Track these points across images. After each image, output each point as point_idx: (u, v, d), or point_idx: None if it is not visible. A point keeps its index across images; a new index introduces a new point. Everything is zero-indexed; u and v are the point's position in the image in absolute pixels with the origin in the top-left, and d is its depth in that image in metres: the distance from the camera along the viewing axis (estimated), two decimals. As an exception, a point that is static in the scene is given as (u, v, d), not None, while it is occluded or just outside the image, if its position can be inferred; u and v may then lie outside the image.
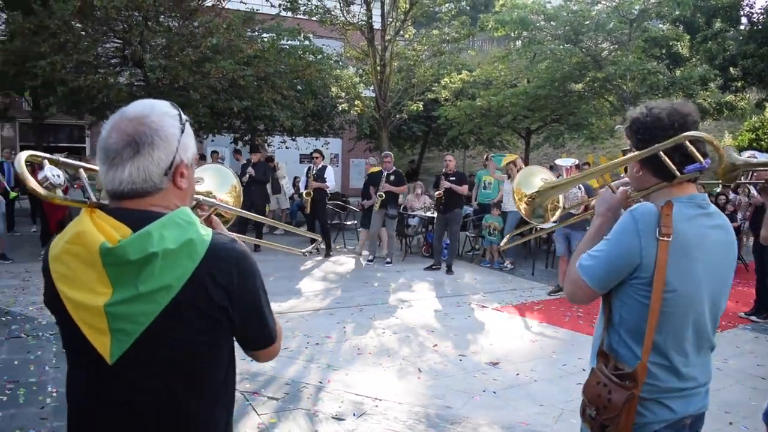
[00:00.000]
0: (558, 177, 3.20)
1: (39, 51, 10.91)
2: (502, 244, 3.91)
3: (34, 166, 1.51)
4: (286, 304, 7.59)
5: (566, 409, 4.69)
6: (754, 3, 20.24)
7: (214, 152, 14.75)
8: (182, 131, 1.45)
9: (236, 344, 1.57)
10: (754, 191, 6.87)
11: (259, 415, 4.39)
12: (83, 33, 11.40)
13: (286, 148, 17.25)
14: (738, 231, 10.53)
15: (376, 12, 15.68)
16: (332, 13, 15.46)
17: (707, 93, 18.56)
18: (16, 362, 5.28)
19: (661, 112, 1.97)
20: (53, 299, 1.41)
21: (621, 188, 2.15)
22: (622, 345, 2.00)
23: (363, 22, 15.48)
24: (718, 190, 11.79)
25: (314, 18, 15.43)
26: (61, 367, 5.16)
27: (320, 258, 10.90)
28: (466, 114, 17.84)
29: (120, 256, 1.32)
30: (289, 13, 15.04)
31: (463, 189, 10.21)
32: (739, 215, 11.14)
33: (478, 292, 8.80)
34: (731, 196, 11.51)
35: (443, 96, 17.80)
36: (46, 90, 12.29)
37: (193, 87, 11.45)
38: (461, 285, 9.39)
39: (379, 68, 15.59)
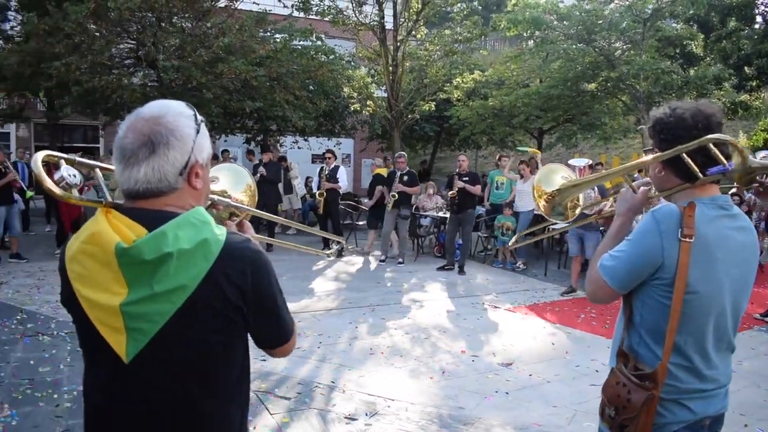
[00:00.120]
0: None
1: (54, 52, 11.01)
2: (509, 244, 3.89)
3: (50, 166, 1.52)
4: (299, 304, 7.60)
5: (579, 410, 4.67)
6: (770, 1, 20.05)
7: (224, 151, 14.78)
8: (197, 131, 1.46)
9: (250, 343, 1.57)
10: (749, 194, 6.75)
11: (271, 414, 4.40)
12: (97, 34, 11.48)
13: (299, 148, 17.29)
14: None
15: (388, 12, 15.67)
16: (344, 13, 15.46)
17: (721, 92, 18.40)
18: (31, 361, 5.32)
19: (685, 113, 1.96)
20: (70, 299, 1.42)
21: (642, 188, 2.14)
22: (642, 345, 1.99)
23: (375, 23, 15.48)
24: (733, 191, 11.66)
25: (326, 18, 15.45)
26: (76, 366, 5.20)
27: (332, 258, 10.91)
28: (479, 114, 17.80)
29: (135, 256, 1.33)
30: (302, 14, 15.08)
31: (477, 189, 10.18)
32: (755, 215, 11.02)
33: (490, 293, 8.77)
34: (746, 195, 11.40)
35: (455, 96, 17.77)
36: (61, 90, 12.39)
37: (206, 87, 11.50)
38: (473, 285, 9.37)
39: (391, 68, 15.58)
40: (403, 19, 15.65)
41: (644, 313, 1.98)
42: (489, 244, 11.85)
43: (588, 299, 2.19)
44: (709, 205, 1.94)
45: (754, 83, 19.52)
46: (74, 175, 1.45)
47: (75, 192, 1.47)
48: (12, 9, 15.94)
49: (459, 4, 17.23)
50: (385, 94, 16.28)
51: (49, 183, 1.40)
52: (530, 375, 5.46)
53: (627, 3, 16.03)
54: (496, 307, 7.94)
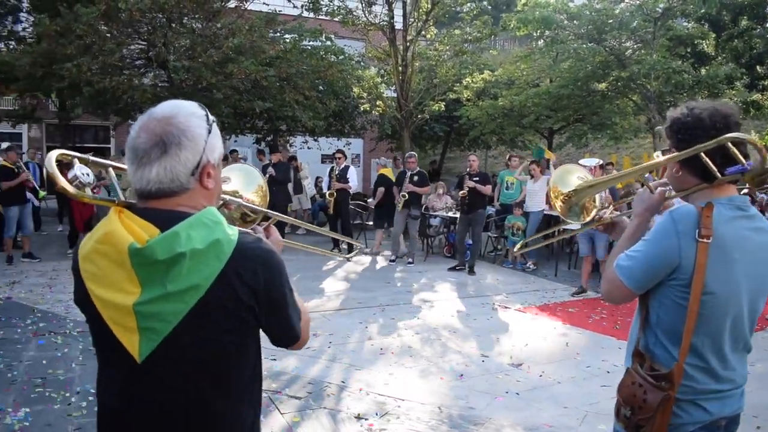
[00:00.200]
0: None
1: (65, 53, 11.07)
2: (516, 250, 3.88)
3: (63, 165, 1.53)
4: (309, 304, 7.61)
5: (590, 411, 4.65)
6: (782, 0, 19.88)
7: (233, 151, 14.79)
8: (209, 131, 1.46)
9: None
10: (761, 195, 6.70)
11: (282, 414, 4.41)
12: (108, 35, 11.55)
13: (308, 148, 17.32)
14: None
15: (398, 12, 15.65)
16: (354, 13, 15.46)
17: (733, 92, 18.24)
18: (44, 360, 5.36)
19: (703, 113, 1.95)
20: (83, 298, 1.43)
21: (659, 189, 2.13)
22: (658, 346, 1.99)
23: (385, 23, 15.47)
24: (745, 191, 11.59)
25: (336, 19, 15.44)
26: (88, 365, 5.23)
27: (341, 258, 10.92)
28: (488, 114, 17.74)
29: (148, 256, 1.33)
30: (311, 14, 15.10)
31: (487, 189, 10.17)
32: (767, 216, 10.96)
33: (500, 293, 8.75)
34: (759, 196, 11.32)
35: (465, 96, 17.72)
36: (72, 91, 12.47)
37: (216, 87, 11.54)
38: (483, 286, 9.35)
39: (400, 68, 15.56)
40: (412, 19, 15.63)
41: (661, 314, 1.97)
42: (499, 244, 11.83)
43: (604, 299, 2.19)
44: (727, 206, 1.93)
45: (766, 82, 19.35)
46: (87, 174, 1.46)
47: (88, 191, 1.47)
48: (24, 10, 16.06)
49: (468, 4, 17.19)
50: (395, 94, 16.26)
51: (62, 182, 1.41)
52: (541, 375, 5.44)
53: (638, 2, 15.93)
54: (506, 307, 7.92)
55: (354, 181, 11.59)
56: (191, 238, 1.34)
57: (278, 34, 14.17)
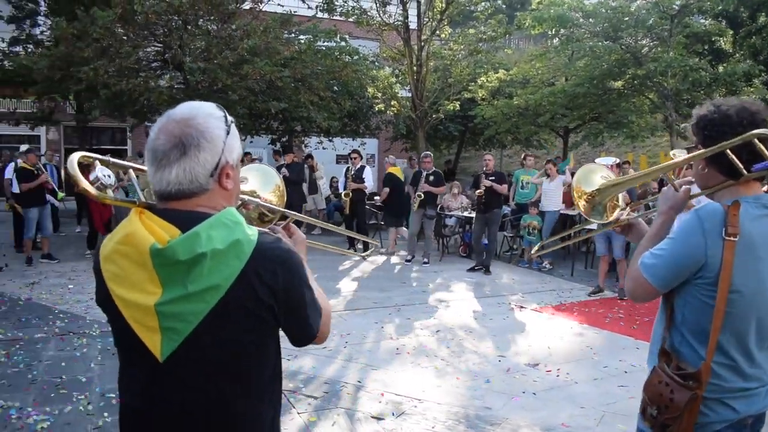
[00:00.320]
0: None
1: (82, 56, 11.19)
2: (532, 252, 3.86)
3: (83, 167, 1.55)
4: (324, 304, 7.61)
5: (608, 411, 4.62)
6: (801, -4, 19.60)
7: (246, 153, 14.82)
8: (228, 132, 1.47)
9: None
10: None
11: (298, 413, 4.42)
12: (125, 38, 11.65)
13: (323, 148, 17.35)
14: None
15: (412, 12, 15.66)
16: (368, 13, 15.49)
17: (751, 89, 18.04)
18: (63, 360, 5.42)
19: (730, 109, 1.94)
20: (105, 298, 1.44)
21: (684, 187, 2.12)
22: (684, 344, 1.98)
23: (399, 22, 15.48)
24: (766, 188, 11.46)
25: (350, 19, 15.49)
26: (107, 365, 5.28)
27: (358, 258, 10.93)
28: (503, 113, 17.68)
29: (170, 256, 1.34)
30: (326, 15, 15.14)
31: (503, 188, 10.14)
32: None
33: (516, 293, 8.72)
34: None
35: (480, 95, 17.67)
36: (90, 94, 12.59)
37: (231, 89, 11.61)
38: (499, 285, 9.32)
39: (415, 68, 15.56)
40: (427, 19, 15.63)
41: (686, 312, 1.96)
42: (515, 243, 11.79)
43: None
44: (753, 204, 1.91)
45: (785, 79, 19.12)
46: (109, 176, 1.48)
47: (110, 192, 1.49)
48: (42, 14, 16.26)
49: (483, 3, 17.15)
50: (410, 94, 16.27)
51: (84, 183, 1.42)
52: (557, 375, 5.41)
53: (654, -1, 15.82)
54: (522, 307, 7.89)
55: (370, 181, 11.60)
56: (212, 239, 1.35)
57: (293, 35, 14.22)
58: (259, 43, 11.91)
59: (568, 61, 18.18)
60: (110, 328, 1.50)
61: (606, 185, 2.48)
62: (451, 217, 12.21)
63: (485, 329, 6.86)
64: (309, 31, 14.38)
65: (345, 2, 15.27)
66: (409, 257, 10.98)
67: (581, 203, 2.51)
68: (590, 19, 16.78)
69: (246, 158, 13.94)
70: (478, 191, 10.04)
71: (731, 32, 19.57)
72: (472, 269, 10.29)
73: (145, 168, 1.49)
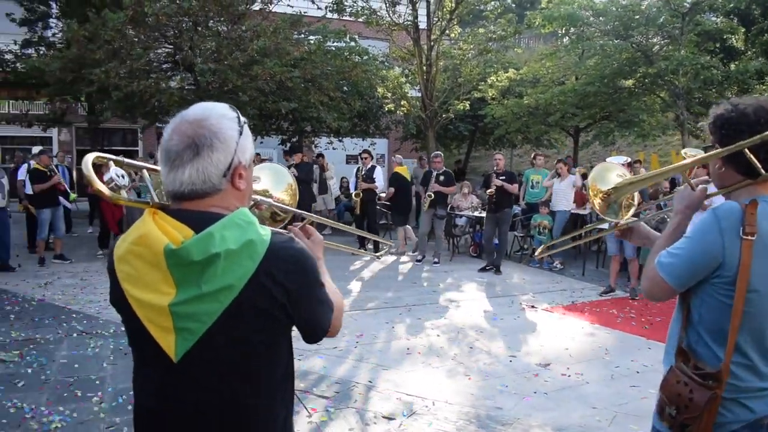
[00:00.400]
0: None
1: (94, 58, 11.27)
2: (537, 253, 3.86)
3: (97, 168, 1.55)
4: (335, 304, 7.62)
5: (620, 411, 4.60)
6: (814, -7, 19.40)
7: (256, 154, 14.84)
8: (240, 133, 1.47)
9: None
10: None
11: (309, 413, 4.43)
12: (136, 40, 11.71)
13: (333, 149, 17.36)
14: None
15: (422, 12, 15.66)
16: (378, 13, 15.50)
17: (764, 87, 17.90)
18: (76, 360, 5.45)
19: (747, 108, 1.93)
20: (119, 299, 1.45)
21: (700, 186, 2.11)
22: (701, 344, 1.97)
23: (409, 22, 15.48)
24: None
25: (360, 19, 15.50)
26: (119, 365, 5.31)
27: (368, 258, 10.93)
28: (513, 113, 17.64)
29: (184, 257, 1.35)
30: (335, 15, 15.16)
31: (514, 188, 10.13)
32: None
33: (527, 293, 8.70)
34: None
35: (490, 95, 17.64)
36: (101, 95, 12.67)
37: (241, 89, 11.64)
38: (510, 285, 9.30)
39: (425, 68, 15.56)
40: (436, 19, 15.62)
41: (703, 312, 1.95)
42: (525, 243, 11.75)
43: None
44: None
45: (798, 77, 18.95)
46: (123, 176, 1.49)
47: (123, 193, 1.50)
48: (53, 16, 16.37)
49: (492, 3, 17.14)
50: (419, 94, 16.26)
51: (99, 184, 1.44)
52: (569, 376, 5.39)
53: (665, -3, 15.73)
54: (533, 307, 7.87)
55: (381, 181, 11.60)
56: (225, 239, 1.36)
57: (303, 35, 14.25)
58: (269, 43, 11.94)
59: (578, 60, 18.11)
60: (124, 329, 1.52)
61: (623, 183, 2.47)
62: (461, 216, 12.19)
63: (496, 329, 6.85)
64: (319, 31, 14.41)
65: (354, 2, 15.28)
66: (419, 257, 10.97)
67: (596, 201, 2.50)
68: (601, 18, 16.71)
69: (255, 159, 13.99)
70: (489, 191, 10.02)
71: (743, 30, 19.41)
72: (482, 269, 10.27)
73: (158, 168, 1.50)
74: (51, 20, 16.58)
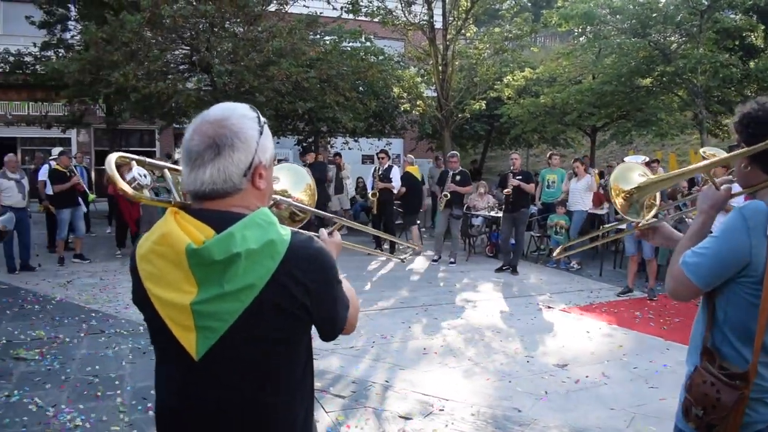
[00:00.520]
0: None
1: (112, 59, 11.36)
2: (555, 254, 3.84)
3: (119, 168, 1.57)
4: (351, 304, 7.63)
5: (638, 413, 4.57)
6: (836, -11, 19.11)
7: None
8: (261, 133, 1.49)
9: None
10: None
11: (327, 412, 4.44)
12: (153, 41, 11.80)
13: (349, 149, 17.38)
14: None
15: (438, 11, 15.64)
16: (393, 13, 15.50)
17: (784, 85, 17.71)
18: (95, 359, 5.51)
19: None
20: (142, 298, 1.47)
21: (725, 185, 2.09)
22: (725, 344, 1.95)
23: (424, 22, 15.47)
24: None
25: (376, 19, 15.51)
26: (138, 363, 5.36)
27: (384, 258, 10.94)
28: (530, 112, 17.56)
29: (205, 256, 1.36)
30: (351, 16, 15.18)
31: (531, 187, 10.10)
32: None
33: (544, 293, 8.66)
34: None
35: (506, 94, 17.58)
36: (119, 97, 12.78)
37: (258, 90, 11.70)
38: (527, 285, 9.26)
39: (440, 68, 15.54)
40: (452, 18, 15.60)
41: (729, 311, 1.94)
42: (542, 243, 11.70)
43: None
44: None
45: (818, 75, 18.70)
46: (145, 176, 1.50)
47: (146, 192, 1.52)
48: (72, 19, 16.52)
49: (508, 2, 17.08)
50: (435, 94, 16.25)
51: (122, 183, 1.45)
52: (586, 376, 5.36)
53: (683, -5, 15.58)
54: (550, 307, 7.84)
55: (397, 180, 11.60)
56: (246, 239, 1.37)
57: (318, 36, 14.29)
58: (285, 44, 11.99)
59: (595, 59, 17.98)
60: (142, 328, 1.54)
61: (646, 183, 2.45)
62: (477, 216, 12.16)
63: (513, 329, 6.83)
64: (334, 31, 14.44)
65: (370, 3, 15.29)
66: (435, 257, 10.96)
67: (618, 201, 2.49)
68: (618, 16, 16.58)
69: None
70: (506, 190, 9.99)
71: (762, 27, 19.18)
72: (499, 269, 10.24)
73: (179, 168, 1.52)
74: (69, 23, 16.73)
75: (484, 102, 16.66)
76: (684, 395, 2.03)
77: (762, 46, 19.52)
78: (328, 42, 14.11)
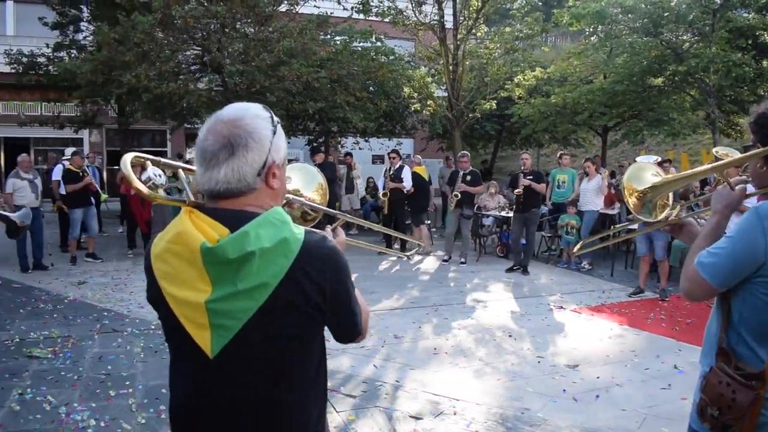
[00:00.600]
0: None
1: (124, 60, 11.44)
2: (575, 251, 3.82)
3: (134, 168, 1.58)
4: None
5: (649, 414, 4.55)
6: None
7: None
8: (274, 133, 1.50)
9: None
10: None
11: (337, 412, 4.45)
12: (164, 42, 11.86)
13: (359, 149, 17.40)
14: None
15: (448, 11, 15.63)
16: (404, 13, 15.50)
17: (798, 85, 17.58)
18: (107, 358, 5.54)
19: None
20: (157, 296, 1.48)
21: (739, 186, 2.08)
22: (741, 344, 1.94)
23: (435, 22, 15.47)
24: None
25: (386, 19, 15.51)
26: (149, 362, 5.39)
27: (395, 258, 10.94)
28: (540, 112, 17.51)
29: (220, 255, 1.37)
30: (362, 16, 15.20)
31: (541, 187, 10.08)
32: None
33: (555, 293, 8.63)
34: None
35: (517, 94, 17.55)
36: (131, 97, 12.86)
37: (269, 90, 11.73)
38: (538, 286, 9.24)
39: (451, 67, 15.53)
40: (462, 18, 15.58)
41: (744, 311, 1.93)
42: (553, 243, 11.66)
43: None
44: None
45: (832, 74, 18.53)
46: (160, 176, 1.52)
47: (161, 192, 1.53)
48: (84, 20, 16.65)
49: (519, 1, 17.03)
50: (446, 94, 16.24)
51: (137, 183, 1.46)
52: (597, 377, 5.34)
53: (695, -7, 15.47)
54: (561, 307, 7.81)
55: (409, 180, 11.59)
56: (260, 237, 1.38)
57: (329, 36, 14.31)
58: (296, 44, 12.02)
59: (606, 58, 17.91)
60: (154, 327, 1.55)
61: (660, 182, 2.44)
62: (488, 216, 12.14)
63: (524, 330, 6.81)
64: (345, 32, 14.46)
65: (381, 3, 15.30)
66: (446, 257, 10.95)
67: (631, 200, 2.48)
68: (629, 15, 16.49)
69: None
70: (517, 190, 9.97)
71: (776, 26, 19.05)
72: (510, 269, 10.21)
73: (194, 168, 1.53)
74: (82, 24, 16.87)
75: (495, 102, 16.63)
76: (699, 396, 2.02)
77: (775, 46, 19.37)
78: (338, 42, 14.13)
